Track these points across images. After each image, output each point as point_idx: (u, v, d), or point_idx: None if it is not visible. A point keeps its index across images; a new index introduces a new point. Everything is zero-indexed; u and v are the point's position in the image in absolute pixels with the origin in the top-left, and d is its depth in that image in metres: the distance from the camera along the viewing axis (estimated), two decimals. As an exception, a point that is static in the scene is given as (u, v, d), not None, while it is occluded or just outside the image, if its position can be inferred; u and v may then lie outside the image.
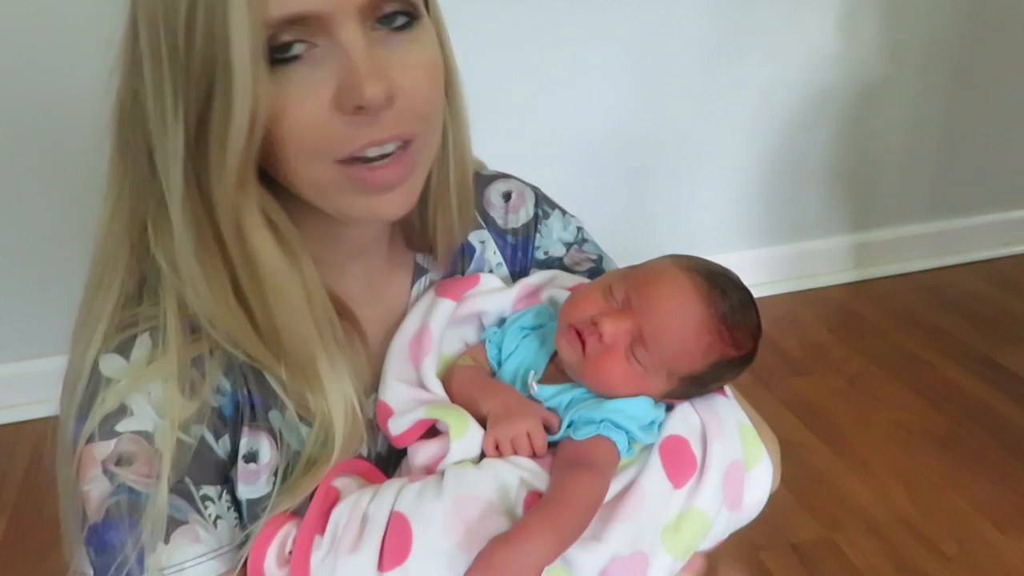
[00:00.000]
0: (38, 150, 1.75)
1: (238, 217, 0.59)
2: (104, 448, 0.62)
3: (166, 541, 0.61)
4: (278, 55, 0.56)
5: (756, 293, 0.73)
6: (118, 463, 0.61)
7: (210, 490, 0.64)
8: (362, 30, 0.57)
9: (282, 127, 0.57)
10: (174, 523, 0.61)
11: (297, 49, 0.56)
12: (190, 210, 0.59)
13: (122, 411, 0.62)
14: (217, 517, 0.64)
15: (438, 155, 0.69)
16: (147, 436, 0.62)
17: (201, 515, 0.63)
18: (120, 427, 0.62)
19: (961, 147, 2.40)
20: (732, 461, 0.70)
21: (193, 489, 0.63)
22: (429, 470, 0.67)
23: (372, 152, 0.59)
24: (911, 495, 1.68)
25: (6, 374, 1.92)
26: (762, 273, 2.31)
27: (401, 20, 0.59)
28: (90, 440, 0.62)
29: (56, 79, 1.68)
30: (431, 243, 0.76)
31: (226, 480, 0.66)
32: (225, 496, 0.65)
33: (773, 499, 0.74)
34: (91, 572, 0.62)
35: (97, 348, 0.64)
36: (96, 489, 0.61)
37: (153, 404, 0.62)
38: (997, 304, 2.33)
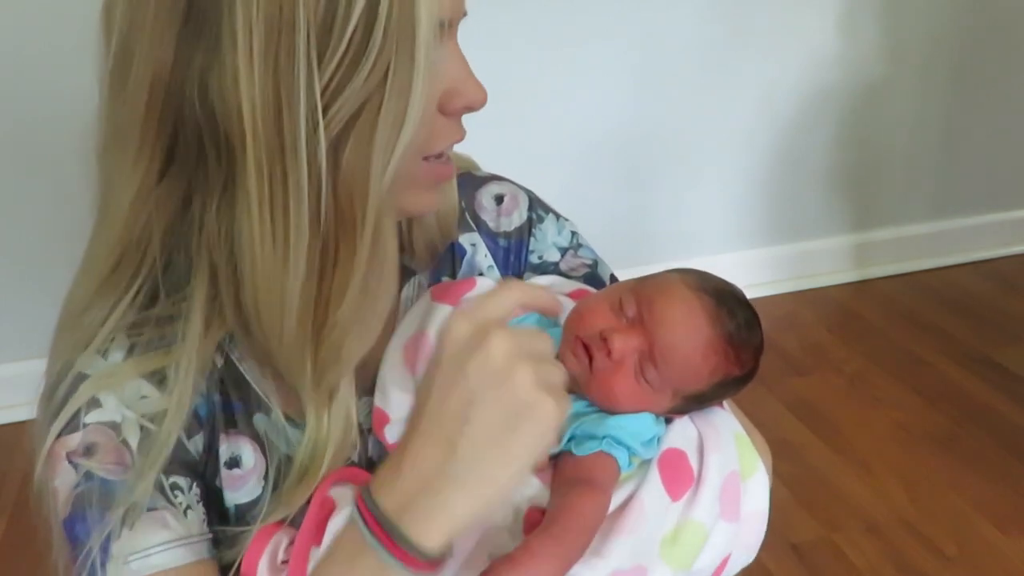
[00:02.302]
0: (39, 150, 1.75)
1: (380, 219, 0.59)
2: (71, 441, 0.61)
3: (131, 527, 0.59)
4: None
5: (756, 293, 0.74)
6: (84, 453, 0.60)
7: (180, 480, 0.63)
8: None
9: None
10: (140, 508, 0.60)
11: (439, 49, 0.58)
12: (319, 207, 0.57)
13: (92, 404, 0.62)
14: (187, 507, 0.62)
15: None
16: (114, 426, 0.61)
17: (171, 503, 0.61)
18: (88, 419, 0.61)
19: (961, 147, 2.40)
20: (729, 472, 0.70)
21: (163, 477, 0.61)
22: None
23: (449, 150, 0.64)
24: (911, 495, 1.68)
25: (6, 374, 1.92)
26: (762, 273, 2.31)
27: None
28: (59, 436, 0.61)
29: (57, 79, 1.68)
30: (409, 243, 0.75)
31: (196, 477, 0.64)
32: (195, 489, 0.64)
33: (772, 499, 0.74)
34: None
35: (96, 348, 0.63)
36: (63, 483, 0.61)
37: (124, 398, 0.62)
38: (997, 304, 2.33)
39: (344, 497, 0.66)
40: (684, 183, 2.23)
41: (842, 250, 2.43)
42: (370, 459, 0.73)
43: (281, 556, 0.63)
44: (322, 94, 0.54)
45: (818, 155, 2.32)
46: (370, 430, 0.72)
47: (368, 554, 0.51)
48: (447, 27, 0.58)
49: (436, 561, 0.51)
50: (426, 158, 0.63)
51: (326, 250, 0.59)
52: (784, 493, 1.64)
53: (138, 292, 0.63)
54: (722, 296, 0.71)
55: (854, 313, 2.33)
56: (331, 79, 0.54)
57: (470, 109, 0.62)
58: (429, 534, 0.50)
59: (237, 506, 0.66)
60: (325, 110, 0.55)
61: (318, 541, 0.63)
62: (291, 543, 0.64)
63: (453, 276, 0.80)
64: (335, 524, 0.63)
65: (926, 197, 2.45)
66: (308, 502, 0.65)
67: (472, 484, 0.50)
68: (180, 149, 0.59)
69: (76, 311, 0.64)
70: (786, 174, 2.31)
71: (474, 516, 0.51)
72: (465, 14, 0.61)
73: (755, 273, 2.26)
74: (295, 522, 0.65)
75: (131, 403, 0.62)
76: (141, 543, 0.59)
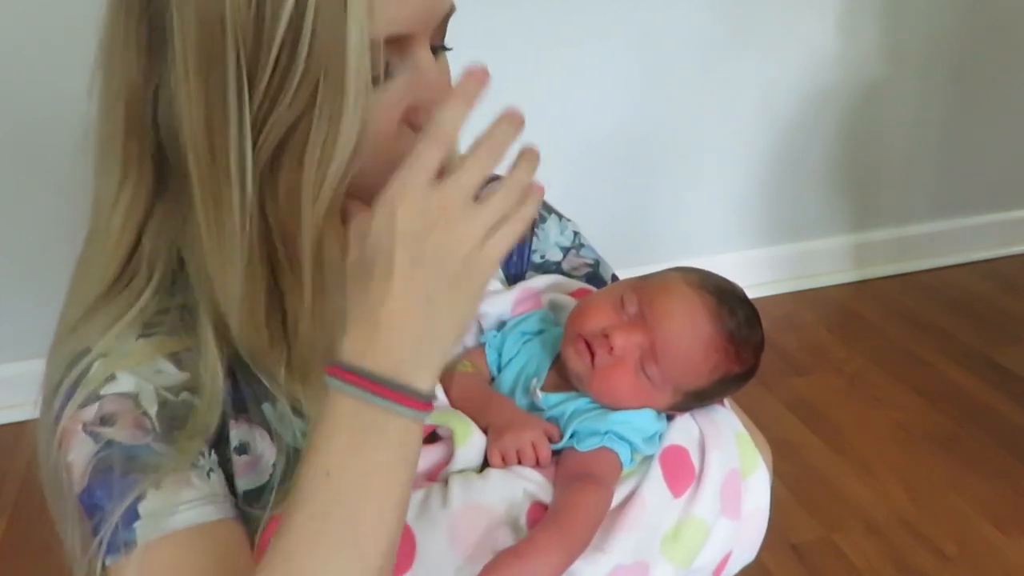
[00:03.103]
0: (39, 150, 1.75)
1: (321, 236, 0.59)
2: (87, 413, 0.61)
3: (158, 487, 0.59)
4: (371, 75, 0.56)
5: (756, 293, 0.74)
6: (102, 423, 0.60)
7: (201, 445, 0.62)
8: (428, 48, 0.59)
9: (357, 147, 0.58)
10: (166, 470, 0.59)
11: (379, 69, 0.57)
12: (245, 226, 0.58)
13: (109, 379, 0.62)
14: (210, 470, 0.62)
15: None
16: (131, 396, 0.61)
17: (195, 465, 0.61)
18: (104, 391, 0.61)
19: (961, 147, 2.40)
20: (729, 470, 0.71)
21: (192, 444, 0.61)
22: (430, 476, 0.67)
23: None
24: (911, 495, 1.68)
25: (6, 374, 1.92)
26: (762, 273, 2.31)
27: (444, 37, 0.62)
28: (74, 411, 0.61)
29: (58, 79, 1.68)
30: None
31: (213, 446, 0.64)
32: (214, 456, 0.63)
33: (772, 499, 0.74)
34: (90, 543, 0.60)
35: (112, 337, 0.63)
36: (80, 455, 0.60)
37: (140, 372, 0.62)
38: (997, 304, 2.33)
39: None
40: (684, 183, 2.23)
41: (842, 250, 2.43)
42: None
43: None
44: (256, 114, 0.55)
45: (818, 155, 2.32)
46: None
47: (368, 414, 0.52)
48: (416, 40, 0.57)
49: (432, 398, 0.54)
50: None
51: (274, 262, 0.60)
52: (784, 493, 1.64)
53: (142, 305, 0.64)
54: (723, 294, 0.71)
55: (854, 313, 2.33)
56: (262, 100, 0.55)
57: None
58: (425, 380, 0.52)
59: (246, 492, 0.66)
60: (260, 131, 0.55)
61: None
62: None
63: None
64: None
65: (926, 197, 2.45)
66: None
67: (450, 326, 0.53)
68: (164, 165, 0.62)
69: (71, 324, 0.65)
70: (786, 174, 2.31)
71: (454, 346, 0.55)
72: (443, 22, 0.60)
73: (755, 273, 2.26)
74: None
75: (148, 376, 0.62)
76: (170, 500, 0.58)
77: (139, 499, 0.58)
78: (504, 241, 0.54)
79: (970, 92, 2.35)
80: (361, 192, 0.60)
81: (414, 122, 0.60)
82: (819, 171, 2.34)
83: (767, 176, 2.30)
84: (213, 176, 0.57)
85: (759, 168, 2.28)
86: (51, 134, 1.77)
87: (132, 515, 0.58)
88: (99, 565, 0.58)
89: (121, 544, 0.57)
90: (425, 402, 0.53)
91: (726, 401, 0.77)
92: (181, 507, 0.59)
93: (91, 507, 0.59)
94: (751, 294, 0.74)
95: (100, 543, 0.58)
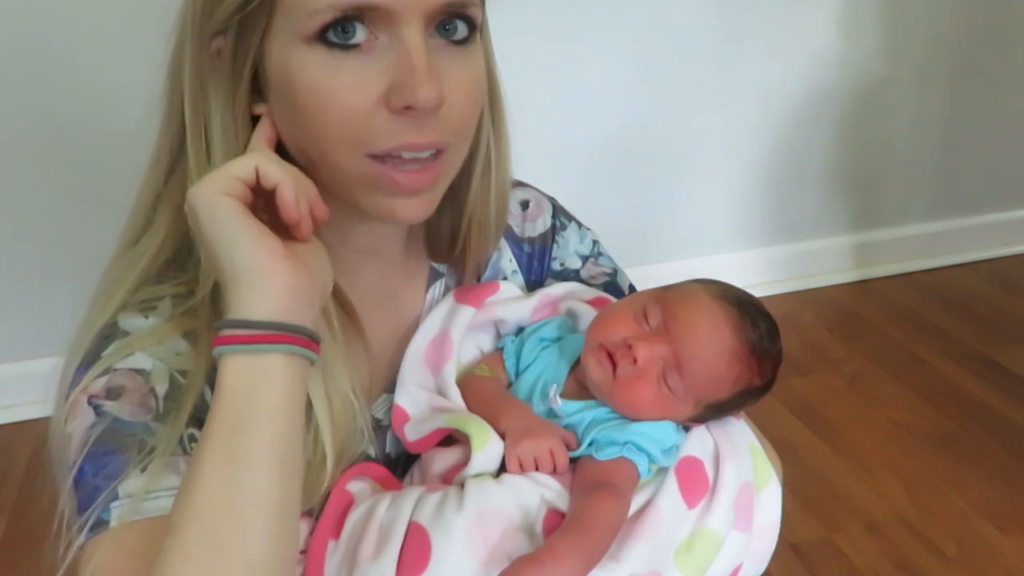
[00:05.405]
0: (39, 151, 1.74)
1: None
2: (95, 385, 0.61)
3: (143, 470, 0.58)
4: (337, 38, 0.57)
5: (756, 293, 0.74)
6: (107, 396, 0.60)
7: (198, 433, 0.61)
8: (423, 33, 0.58)
9: (328, 112, 0.58)
10: (156, 452, 0.59)
11: (359, 36, 0.57)
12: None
13: (126, 356, 0.62)
14: None
15: (480, 172, 0.70)
16: (143, 373, 0.61)
17: (186, 452, 0.60)
18: (118, 365, 0.61)
19: (961, 147, 2.40)
20: (743, 483, 0.71)
21: (182, 427, 0.61)
22: (446, 479, 0.67)
23: (407, 154, 0.60)
24: (911, 495, 1.68)
25: (6, 374, 1.91)
26: (762, 273, 2.31)
27: (461, 33, 0.61)
28: (87, 383, 0.61)
29: (58, 81, 1.68)
30: (460, 258, 0.75)
31: None
32: None
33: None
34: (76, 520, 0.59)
35: (118, 305, 0.64)
36: (80, 426, 0.60)
37: (158, 352, 0.62)
38: (997, 304, 2.33)
39: (362, 493, 0.67)
40: (684, 183, 2.23)
41: (842, 250, 2.43)
42: (388, 455, 0.73)
43: (300, 546, 0.63)
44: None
45: (818, 155, 2.32)
46: (389, 427, 0.72)
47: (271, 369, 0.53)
48: (401, 17, 0.57)
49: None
50: (375, 156, 0.60)
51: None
52: (784, 493, 1.63)
53: (165, 261, 0.66)
54: (745, 306, 0.72)
55: (854, 313, 2.33)
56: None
57: (410, 110, 0.58)
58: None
59: None
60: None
61: (336, 535, 0.64)
62: (310, 533, 0.64)
63: (478, 280, 0.81)
64: (353, 520, 0.64)
65: (926, 197, 2.45)
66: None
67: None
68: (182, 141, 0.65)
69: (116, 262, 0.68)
70: (786, 174, 2.30)
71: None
72: (440, 9, 0.58)
73: (755, 273, 2.26)
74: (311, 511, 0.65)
75: (165, 357, 0.62)
76: (152, 485, 0.58)
77: (123, 480, 0.58)
78: None
79: (970, 92, 2.34)
80: (327, 165, 0.61)
81: (388, 101, 0.58)
82: (819, 171, 2.34)
83: (767, 176, 2.30)
84: (197, 123, 0.62)
85: (759, 168, 2.28)
86: (52, 136, 1.77)
87: (113, 495, 0.57)
88: (76, 542, 0.57)
89: (98, 524, 0.57)
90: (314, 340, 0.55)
91: (742, 415, 0.77)
92: (162, 493, 0.58)
93: (79, 482, 0.59)
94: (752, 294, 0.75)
95: (80, 521, 0.57)
